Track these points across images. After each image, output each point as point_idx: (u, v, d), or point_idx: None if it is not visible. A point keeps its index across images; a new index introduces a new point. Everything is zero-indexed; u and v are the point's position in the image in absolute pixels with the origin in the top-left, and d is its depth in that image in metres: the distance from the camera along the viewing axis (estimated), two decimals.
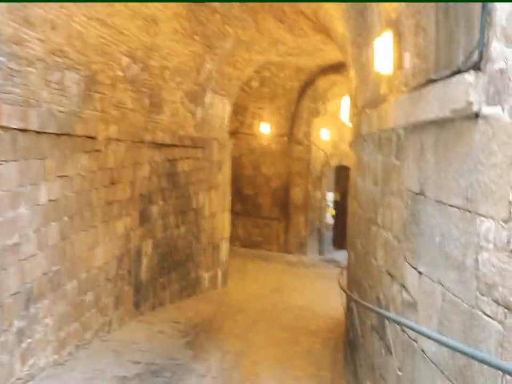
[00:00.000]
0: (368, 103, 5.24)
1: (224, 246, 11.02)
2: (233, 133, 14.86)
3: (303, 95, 15.09)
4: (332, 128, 16.14)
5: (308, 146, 15.65)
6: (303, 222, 15.73)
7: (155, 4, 6.64)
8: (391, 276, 3.88)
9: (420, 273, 3.13)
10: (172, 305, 8.88)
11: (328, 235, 16.50)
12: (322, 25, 7.83)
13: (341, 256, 16.44)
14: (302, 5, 7.40)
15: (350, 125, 7.53)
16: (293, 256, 15.20)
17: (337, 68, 13.84)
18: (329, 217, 16.64)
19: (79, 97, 5.92)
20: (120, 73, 6.78)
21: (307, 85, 14.91)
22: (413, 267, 3.28)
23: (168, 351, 6.64)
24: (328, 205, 16.59)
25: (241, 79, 11.14)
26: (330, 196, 16.70)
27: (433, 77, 2.87)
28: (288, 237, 15.66)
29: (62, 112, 5.58)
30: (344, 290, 7.10)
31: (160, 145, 8.30)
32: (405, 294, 3.46)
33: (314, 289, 11.85)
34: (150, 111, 7.98)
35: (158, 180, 8.35)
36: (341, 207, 17.43)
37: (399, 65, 3.77)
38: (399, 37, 3.71)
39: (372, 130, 4.84)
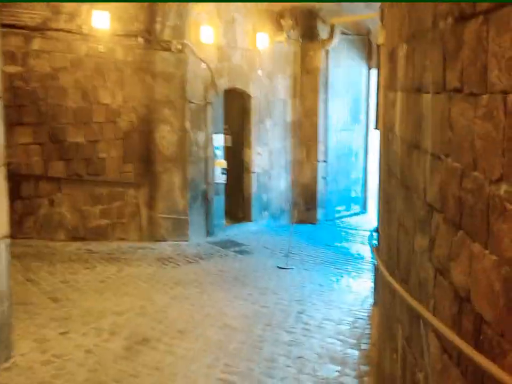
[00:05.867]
0: None
1: (2, 257, 4.22)
2: (38, 29, 7.91)
3: None
4: (218, 25, 9.66)
5: (181, 53, 9.04)
6: (179, 185, 9.25)
7: None
8: None
9: None
10: None
11: (219, 202, 10.20)
12: None
13: (241, 233, 10.37)
14: None
15: None
16: (166, 245, 8.74)
17: None
18: (219, 173, 10.26)
19: None
20: None
21: None
22: None
23: None
24: (216, 155, 10.19)
25: None
26: (219, 139, 10.28)
27: None
28: (155, 212, 9.11)
29: None
30: None
31: None
32: None
33: (224, 323, 5.59)
34: None
35: None
36: (234, 157, 11.06)
37: None
38: None
39: None
